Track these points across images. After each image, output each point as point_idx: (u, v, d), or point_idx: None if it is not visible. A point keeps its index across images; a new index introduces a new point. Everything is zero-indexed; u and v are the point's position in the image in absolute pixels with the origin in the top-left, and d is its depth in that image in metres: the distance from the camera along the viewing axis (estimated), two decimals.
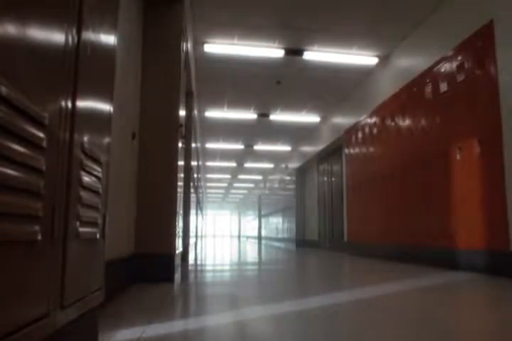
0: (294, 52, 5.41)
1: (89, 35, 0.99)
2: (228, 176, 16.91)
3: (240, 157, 12.75)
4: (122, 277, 2.32)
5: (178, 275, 3.17)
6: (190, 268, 4.17)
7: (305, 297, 2.29)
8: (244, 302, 2.14)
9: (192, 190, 5.87)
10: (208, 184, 19.33)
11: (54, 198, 0.79)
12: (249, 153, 12.11)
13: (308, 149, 9.99)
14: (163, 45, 3.06)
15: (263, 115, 8.29)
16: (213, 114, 8.18)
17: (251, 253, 7.66)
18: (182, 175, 3.74)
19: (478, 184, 3.52)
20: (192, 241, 7.97)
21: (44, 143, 0.72)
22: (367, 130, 6.18)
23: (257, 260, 5.56)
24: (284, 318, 1.70)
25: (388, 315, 1.77)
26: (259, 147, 11.26)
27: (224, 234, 38.36)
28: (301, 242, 11.46)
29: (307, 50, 5.41)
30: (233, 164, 13.99)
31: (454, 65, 3.94)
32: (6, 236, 0.60)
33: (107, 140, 1.22)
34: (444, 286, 2.75)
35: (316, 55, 5.49)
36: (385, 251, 5.37)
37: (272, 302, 2.10)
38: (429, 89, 4.39)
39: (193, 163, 6.25)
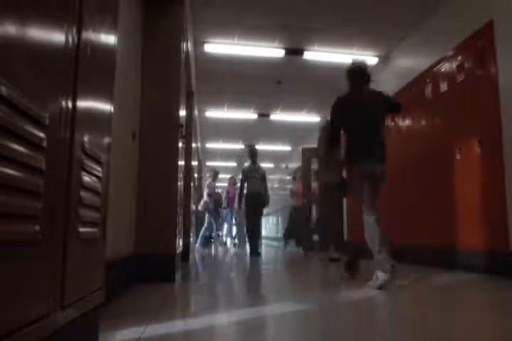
0: (294, 52, 5.41)
1: (89, 35, 0.99)
2: (228, 176, 16.89)
3: (240, 157, 12.74)
4: (122, 277, 2.32)
5: (178, 276, 3.16)
6: (191, 267, 4.17)
7: (307, 297, 2.29)
8: (245, 303, 2.14)
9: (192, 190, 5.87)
10: None
11: (54, 198, 0.79)
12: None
13: None
14: (163, 45, 3.05)
15: (263, 115, 8.28)
16: (213, 114, 8.17)
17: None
18: (182, 175, 3.74)
19: (478, 184, 3.52)
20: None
21: (44, 143, 0.72)
22: None
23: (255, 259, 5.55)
24: (285, 318, 1.70)
25: (394, 315, 1.77)
26: (259, 147, 11.23)
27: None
28: None
29: (307, 50, 5.41)
30: (233, 164, 13.98)
31: (454, 65, 3.94)
32: (6, 236, 0.60)
33: (107, 140, 1.22)
34: (447, 287, 2.75)
35: (316, 54, 5.49)
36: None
37: (275, 302, 2.10)
38: (429, 89, 4.39)
39: (194, 163, 6.25)
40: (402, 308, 1.94)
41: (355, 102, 3.02)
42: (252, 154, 6.58)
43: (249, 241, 6.38)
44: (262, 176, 6.45)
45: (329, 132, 3.26)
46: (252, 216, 6.38)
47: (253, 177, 6.37)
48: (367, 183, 2.75)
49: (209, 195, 9.06)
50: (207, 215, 9.07)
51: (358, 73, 3.10)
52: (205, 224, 8.98)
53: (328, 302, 2.07)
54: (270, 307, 1.96)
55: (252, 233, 6.34)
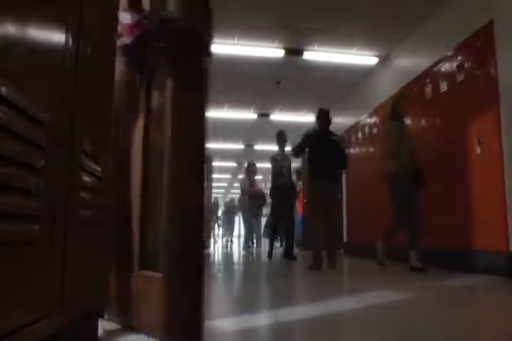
0: (294, 52, 5.41)
1: (89, 35, 0.99)
2: (228, 176, 16.90)
3: (240, 157, 12.74)
4: None
5: None
6: None
7: (309, 300, 2.28)
8: (248, 306, 2.13)
9: None
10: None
11: (54, 198, 0.79)
12: (249, 153, 12.11)
13: None
14: None
15: (263, 115, 8.28)
16: (213, 113, 8.17)
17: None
18: None
19: (487, 183, 3.51)
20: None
21: (44, 143, 0.72)
22: (367, 130, 6.17)
23: (255, 258, 5.55)
24: (292, 323, 1.70)
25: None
26: (258, 147, 11.24)
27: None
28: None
29: (307, 50, 5.41)
30: (233, 164, 13.99)
31: (454, 64, 3.94)
32: (6, 236, 0.60)
33: (106, 140, 1.22)
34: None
35: (316, 55, 5.49)
36: (387, 252, 5.35)
37: (281, 306, 2.09)
38: (429, 89, 4.39)
39: None
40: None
41: (322, 136, 4.31)
42: (282, 139, 5.51)
43: (269, 243, 5.45)
44: (290, 165, 5.50)
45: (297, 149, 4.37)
46: (278, 213, 5.33)
47: (284, 166, 5.38)
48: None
49: (243, 191, 8.08)
50: (241, 218, 8.37)
51: (327, 116, 4.50)
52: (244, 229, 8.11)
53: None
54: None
55: (288, 233, 5.30)
